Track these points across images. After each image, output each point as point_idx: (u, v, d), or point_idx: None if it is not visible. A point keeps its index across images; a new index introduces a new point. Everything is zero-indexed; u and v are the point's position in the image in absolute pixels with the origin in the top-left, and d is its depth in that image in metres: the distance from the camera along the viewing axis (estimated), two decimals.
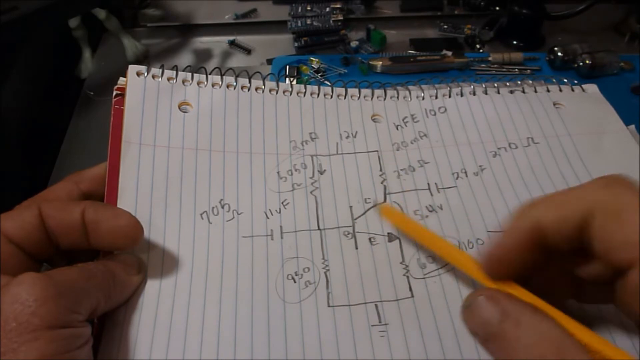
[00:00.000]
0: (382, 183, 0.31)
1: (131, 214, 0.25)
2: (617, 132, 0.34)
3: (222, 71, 0.34)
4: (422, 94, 0.35)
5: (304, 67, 0.48)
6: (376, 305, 0.26)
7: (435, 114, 0.34)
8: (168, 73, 0.32)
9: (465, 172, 0.32)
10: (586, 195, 0.19)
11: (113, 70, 0.53)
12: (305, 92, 0.34)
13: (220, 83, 0.33)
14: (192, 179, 0.29)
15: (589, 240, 0.19)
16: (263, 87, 0.34)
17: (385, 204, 0.30)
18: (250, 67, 0.52)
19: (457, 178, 0.31)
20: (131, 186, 0.28)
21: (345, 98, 0.34)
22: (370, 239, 0.29)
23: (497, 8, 0.58)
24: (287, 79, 0.46)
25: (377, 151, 0.32)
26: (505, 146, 0.33)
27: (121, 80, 0.31)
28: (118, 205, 0.27)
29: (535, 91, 0.36)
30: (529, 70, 0.49)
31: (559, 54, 0.49)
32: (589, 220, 0.19)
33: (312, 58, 0.49)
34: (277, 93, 0.34)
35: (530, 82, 0.37)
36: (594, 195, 0.19)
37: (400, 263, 0.28)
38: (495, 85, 0.36)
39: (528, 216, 0.21)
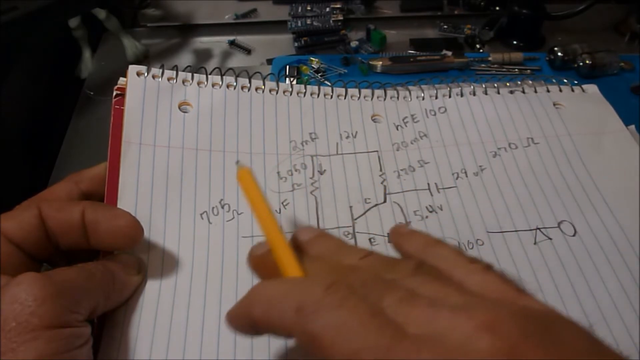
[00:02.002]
0: (382, 183, 0.31)
1: (131, 214, 0.25)
2: (617, 132, 0.34)
3: (222, 71, 0.33)
4: (422, 94, 0.35)
5: (304, 67, 0.48)
6: None
7: (435, 114, 0.34)
8: (168, 73, 0.32)
9: (465, 172, 0.32)
10: (294, 303, 0.19)
11: (113, 70, 0.53)
12: (305, 92, 0.34)
13: (220, 83, 0.33)
14: (192, 179, 0.29)
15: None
16: (263, 87, 0.34)
17: (245, 168, 0.25)
18: (250, 67, 0.52)
19: (457, 178, 0.31)
20: (131, 186, 0.28)
21: (345, 98, 0.34)
22: (370, 239, 0.29)
23: (497, 8, 0.58)
24: (287, 79, 0.46)
25: (377, 151, 0.32)
26: (505, 146, 0.33)
27: (121, 80, 0.31)
28: (118, 205, 0.27)
29: (535, 91, 0.36)
30: (529, 70, 0.49)
31: (559, 54, 0.49)
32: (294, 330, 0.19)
33: (312, 58, 0.49)
34: (277, 93, 0.34)
35: (530, 82, 0.37)
36: (301, 304, 0.19)
37: None
38: (495, 85, 0.36)
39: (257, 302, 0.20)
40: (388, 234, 0.28)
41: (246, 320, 0.20)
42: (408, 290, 0.18)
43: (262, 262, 0.23)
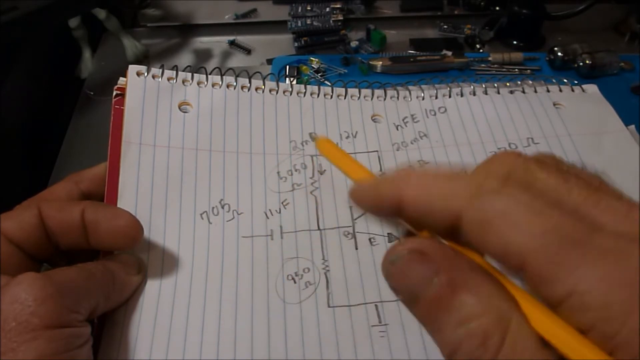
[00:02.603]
0: None
1: (131, 213, 0.25)
2: (617, 132, 0.34)
3: (222, 71, 0.33)
4: (422, 94, 0.35)
5: (304, 67, 0.48)
6: (376, 305, 0.26)
7: (435, 114, 0.34)
8: (168, 73, 0.32)
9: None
10: (455, 200, 0.17)
11: (113, 70, 0.53)
12: (305, 92, 0.34)
13: (220, 83, 0.33)
14: (192, 179, 0.29)
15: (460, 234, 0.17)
16: (263, 87, 0.34)
17: (323, 138, 0.26)
18: (250, 67, 0.52)
19: None
20: (131, 186, 0.28)
21: (345, 98, 0.34)
22: (370, 239, 0.29)
23: (497, 8, 0.58)
24: (287, 79, 0.46)
25: (377, 151, 0.32)
26: (505, 146, 0.33)
27: (121, 80, 0.31)
28: (118, 205, 0.27)
29: (535, 91, 0.36)
30: (529, 70, 0.49)
31: (559, 54, 0.49)
32: (458, 223, 0.17)
33: (312, 58, 0.49)
34: (277, 93, 0.34)
35: (530, 82, 0.37)
36: (461, 202, 0.17)
37: None
38: (495, 85, 0.36)
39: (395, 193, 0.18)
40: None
41: (391, 199, 0.18)
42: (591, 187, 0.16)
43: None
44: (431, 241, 0.17)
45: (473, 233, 0.16)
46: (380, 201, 0.19)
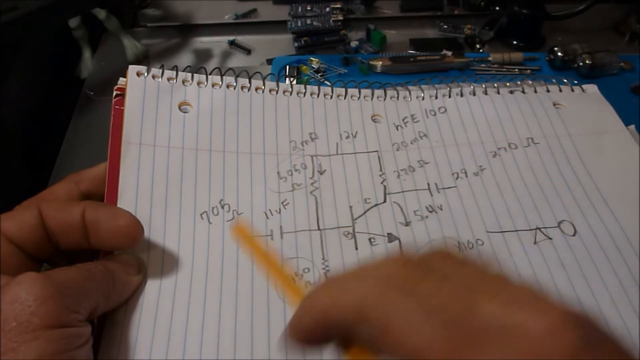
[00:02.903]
0: (382, 183, 0.31)
1: (131, 213, 0.25)
2: (617, 132, 0.34)
3: (222, 71, 0.33)
4: (422, 94, 0.35)
5: (304, 67, 0.48)
6: None
7: (435, 114, 0.34)
8: (168, 73, 0.32)
9: (465, 172, 0.32)
10: (358, 297, 0.18)
11: (113, 70, 0.53)
12: (305, 92, 0.34)
13: (220, 83, 0.33)
14: (192, 179, 0.29)
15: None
16: (263, 87, 0.34)
17: (240, 224, 0.28)
18: (250, 67, 0.52)
19: (457, 178, 0.31)
20: (131, 186, 0.28)
21: (345, 98, 0.34)
22: (370, 239, 0.29)
23: (497, 8, 0.58)
24: (287, 79, 0.46)
25: (377, 151, 0.32)
26: (505, 146, 0.33)
27: (121, 80, 0.31)
28: (118, 206, 0.27)
29: (535, 91, 0.36)
30: (529, 70, 0.49)
31: (559, 54, 0.49)
32: (361, 322, 0.18)
33: (312, 58, 0.49)
34: (277, 93, 0.34)
35: (530, 82, 0.37)
36: (363, 300, 0.18)
37: None
38: (495, 85, 0.36)
39: (314, 306, 0.20)
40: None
41: (311, 325, 0.20)
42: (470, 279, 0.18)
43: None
44: None
45: (372, 337, 0.18)
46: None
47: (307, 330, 0.20)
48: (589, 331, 0.16)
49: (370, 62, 0.48)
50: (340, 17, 0.56)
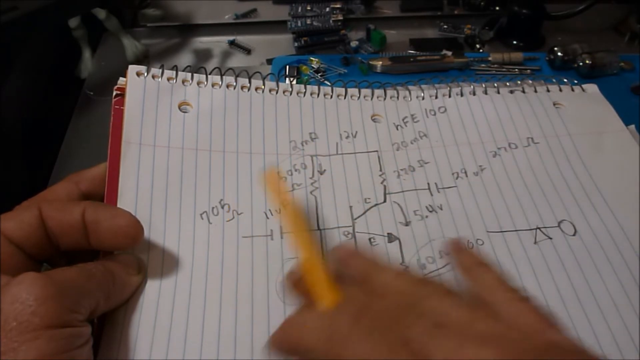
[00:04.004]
0: (382, 183, 0.31)
1: (131, 213, 0.25)
2: (617, 132, 0.34)
3: (222, 71, 0.33)
4: (422, 94, 0.35)
5: (304, 67, 0.48)
6: None
7: (435, 114, 0.34)
8: (168, 73, 0.32)
9: (465, 172, 0.32)
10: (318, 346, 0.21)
11: (113, 70, 0.53)
12: (305, 92, 0.34)
13: (220, 83, 0.33)
14: (192, 179, 0.29)
15: None
16: (263, 87, 0.34)
17: (273, 171, 0.30)
18: (250, 67, 0.52)
19: (457, 178, 0.31)
20: (131, 186, 0.28)
21: (345, 98, 0.34)
22: (370, 239, 0.29)
23: (497, 8, 0.58)
24: (287, 79, 0.46)
25: (377, 151, 0.32)
26: (505, 146, 0.33)
27: (121, 80, 0.31)
28: (118, 206, 0.27)
29: (535, 91, 0.36)
30: (528, 70, 0.49)
31: (559, 54, 0.49)
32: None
33: (312, 58, 0.49)
34: (277, 93, 0.34)
35: (530, 82, 0.37)
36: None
37: (400, 263, 0.28)
38: (496, 85, 0.36)
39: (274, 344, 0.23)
40: (446, 243, 0.28)
41: (286, 346, 0.22)
42: (436, 318, 0.19)
43: (298, 283, 0.24)
44: None
45: None
46: None
47: (286, 350, 0.23)
48: None
49: (370, 62, 0.48)
50: (340, 17, 0.56)
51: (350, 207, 0.30)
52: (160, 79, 0.32)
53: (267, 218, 0.29)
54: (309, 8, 0.56)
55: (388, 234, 0.29)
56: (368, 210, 0.30)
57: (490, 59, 0.49)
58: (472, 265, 0.24)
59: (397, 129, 0.34)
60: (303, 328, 0.22)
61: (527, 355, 0.17)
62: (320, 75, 0.47)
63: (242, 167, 0.30)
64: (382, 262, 0.24)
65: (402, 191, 0.31)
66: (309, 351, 0.21)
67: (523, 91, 0.36)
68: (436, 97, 0.35)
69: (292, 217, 0.28)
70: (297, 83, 0.34)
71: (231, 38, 0.56)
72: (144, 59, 0.55)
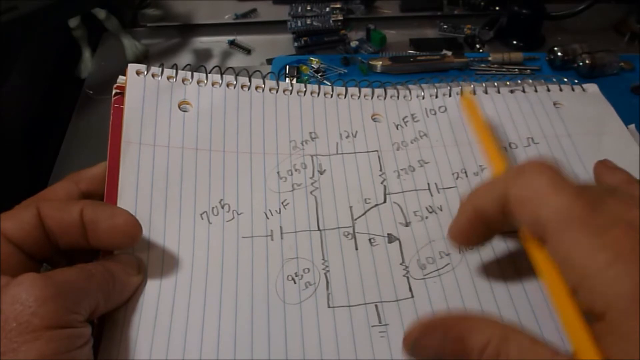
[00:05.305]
0: (382, 183, 0.31)
1: (129, 212, 0.25)
2: (617, 132, 0.34)
3: (222, 70, 0.33)
4: (422, 93, 0.35)
5: (304, 67, 0.48)
6: (376, 305, 0.26)
7: (435, 114, 0.34)
8: (168, 72, 0.32)
9: (465, 172, 0.32)
10: (503, 185, 0.23)
11: (113, 70, 0.53)
12: (305, 91, 0.34)
13: (220, 82, 0.33)
14: (192, 179, 0.29)
15: (510, 216, 0.23)
16: (263, 86, 0.33)
17: (468, 94, 0.35)
18: (250, 67, 0.51)
19: (457, 178, 0.31)
20: (131, 186, 0.28)
21: (345, 97, 0.34)
22: (370, 239, 0.29)
23: (497, 8, 0.58)
24: (287, 78, 0.46)
25: (377, 151, 0.32)
26: (505, 146, 0.33)
27: (120, 78, 0.31)
28: (118, 205, 0.27)
29: (536, 91, 0.36)
30: (528, 70, 0.49)
31: (559, 53, 0.49)
32: (506, 205, 0.23)
33: (312, 58, 0.49)
34: (277, 92, 0.34)
35: (531, 81, 0.37)
36: (507, 184, 0.23)
37: (400, 264, 0.28)
38: (496, 84, 0.36)
39: (469, 202, 0.25)
40: (595, 164, 0.31)
41: (466, 224, 0.25)
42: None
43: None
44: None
45: (511, 209, 0.23)
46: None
47: (463, 230, 0.25)
48: None
49: (370, 62, 0.48)
50: (340, 17, 0.55)
51: (351, 207, 0.30)
52: (160, 78, 0.32)
53: (267, 218, 0.29)
54: (309, 8, 0.56)
55: (388, 234, 0.29)
56: (368, 210, 0.30)
57: (490, 59, 0.49)
58: (623, 182, 0.26)
59: (398, 129, 0.33)
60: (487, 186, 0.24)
61: None
62: (320, 75, 0.47)
63: (242, 167, 0.30)
64: None
65: (402, 191, 0.31)
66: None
67: (523, 91, 0.36)
68: (436, 97, 0.35)
69: (487, 139, 0.30)
70: (297, 83, 0.34)
71: (231, 38, 0.56)
72: (144, 59, 0.55)
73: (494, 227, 0.25)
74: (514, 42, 0.55)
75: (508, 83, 0.37)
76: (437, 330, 0.22)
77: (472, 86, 0.36)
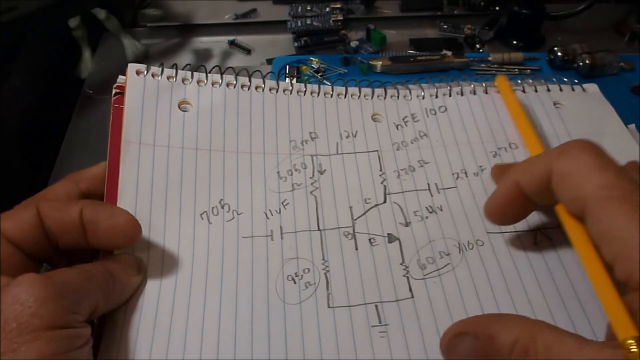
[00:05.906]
0: (382, 183, 0.31)
1: (129, 212, 0.25)
2: (617, 132, 0.34)
3: (221, 70, 0.33)
4: (422, 93, 0.35)
5: (304, 67, 0.48)
6: (376, 306, 0.26)
7: (435, 113, 0.34)
8: (168, 72, 0.32)
9: (465, 172, 0.32)
10: (547, 161, 0.24)
11: (113, 70, 0.53)
12: (305, 91, 0.34)
13: (220, 82, 0.33)
14: (192, 179, 0.29)
15: (550, 193, 0.24)
16: (263, 85, 0.33)
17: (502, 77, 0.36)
18: (250, 67, 0.51)
19: (457, 178, 0.31)
20: (131, 186, 0.28)
21: (345, 97, 0.34)
22: (370, 239, 0.29)
23: (497, 8, 0.58)
24: (287, 78, 0.46)
25: (377, 151, 0.32)
26: (505, 146, 0.33)
27: (120, 78, 0.31)
28: (118, 205, 0.27)
29: (536, 91, 0.36)
30: (528, 70, 0.49)
31: (559, 53, 0.49)
32: (548, 181, 0.24)
33: (312, 58, 0.49)
34: (277, 92, 0.34)
35: (531, 81, 0.37)
36: (551, 161, 0.24)
37: (400, 264, 0.28)
38: (496, 84, 0.36)
39: (510, 177, 0.26)
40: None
41: (503, 198, 0.26)
42: None
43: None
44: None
45: (555, 185, 0.24)
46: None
47: (502, 204, 0.26)
48: None
49: (370, 62, 0.48)
50: (340, 17, 0.56)
51: (351, 207, 0.30)
52: (160, 78, 0.32)
53: (267, 218, 0.29)
54: (309, 8, 0.56)
55: (388, 234, 0.29)
56: (368, 210, 0.30)
57: (490, 59, 0.49)
58: None
59: (398, 129, 0.33)
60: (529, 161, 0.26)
61: None
62: (320, 75, 0.47)
63: (242, 167, 0.30)
64: None
65: (402, 191, 0.31)
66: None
67: (523, 91, 0.36)
68: (436, 97, 0.35)
69: (521, 120, 0.32)
70: (297, 82, 0.34)
71: (231, 38, 0.56)
72: (144, 59, 0.55)
73: (530, 204, 0.26)
74: (514, 42, 0.55)
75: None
76: (469, 332, 0.22)
77: (472, 85, 0.36)
